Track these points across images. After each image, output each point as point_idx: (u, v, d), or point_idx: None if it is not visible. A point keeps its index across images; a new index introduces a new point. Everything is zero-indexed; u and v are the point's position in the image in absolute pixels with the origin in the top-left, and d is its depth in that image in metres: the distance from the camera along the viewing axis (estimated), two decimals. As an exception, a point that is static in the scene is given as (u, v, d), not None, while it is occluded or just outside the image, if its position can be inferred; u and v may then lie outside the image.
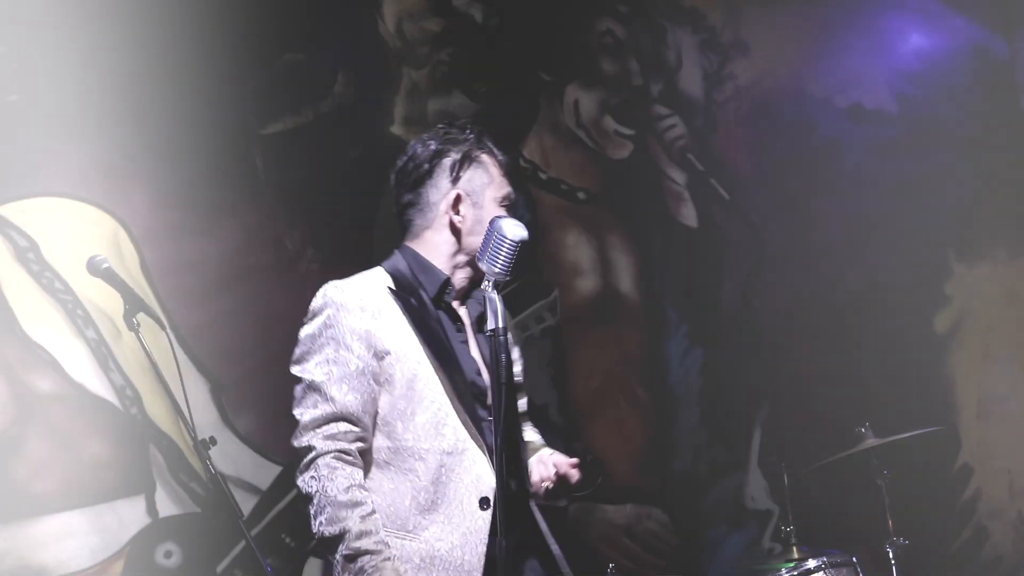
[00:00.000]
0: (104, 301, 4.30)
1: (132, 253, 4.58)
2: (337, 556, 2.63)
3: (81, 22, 4.47)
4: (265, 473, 4.64)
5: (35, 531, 4.25)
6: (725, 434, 5.85)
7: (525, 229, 2.66)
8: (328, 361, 2.71)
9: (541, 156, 5.71)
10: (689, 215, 6.04)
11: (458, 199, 2.84)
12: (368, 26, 5.33)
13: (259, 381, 4.56)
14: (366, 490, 2.67)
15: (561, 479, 2.80)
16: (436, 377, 2.73)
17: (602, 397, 5.65)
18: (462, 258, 2.84)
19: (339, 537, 2.62)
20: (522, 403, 3.03)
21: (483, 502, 2.70)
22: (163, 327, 3.67)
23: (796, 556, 4.66)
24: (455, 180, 2.86)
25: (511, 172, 2.92)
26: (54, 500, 4.27)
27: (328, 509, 2.63)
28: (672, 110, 6.06)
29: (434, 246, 2.86)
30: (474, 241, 2.80)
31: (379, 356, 2.72)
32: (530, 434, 3.04)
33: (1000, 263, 6.30)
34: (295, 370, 2.77)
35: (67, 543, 4.28)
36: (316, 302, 2.78)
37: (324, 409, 2.69)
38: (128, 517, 4.40)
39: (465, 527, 2.69)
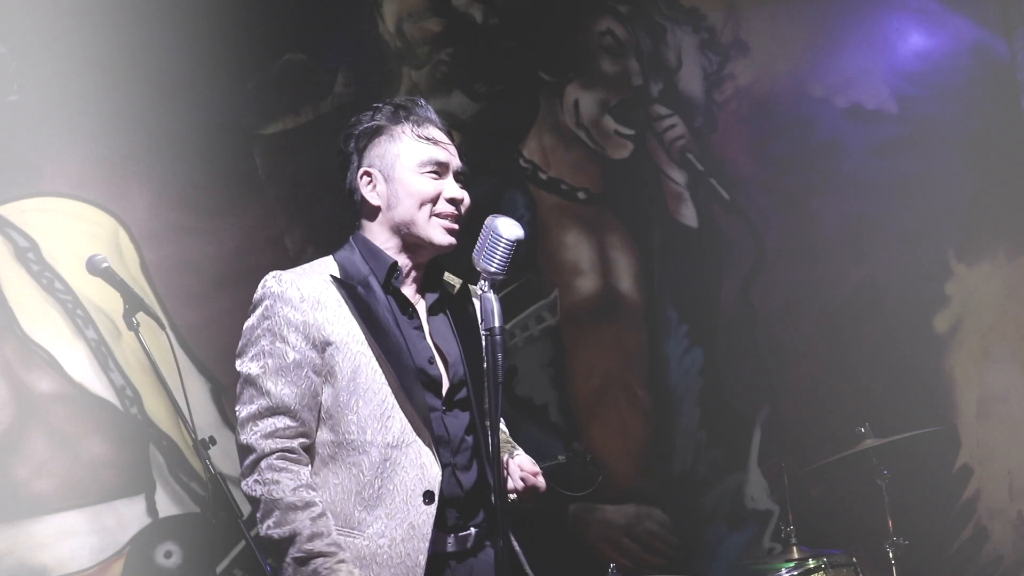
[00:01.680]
0: (104, 301, 4.30)
1: (132, 253, 4.58)
2: (287, 559, 2.54)
3: (81, 22, 4.47)
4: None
5: (35, 531, 4.25)
6: (725, 434, 5.85)
7: (521, 228, 2.59)
8: (264, 354, 2.63)
9: (541, 156, 5.71)
10: (689, 215, 6.03)
11: (366, 175, 2.77)
12: (368, 26, 5.33)
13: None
14: (314, 489, 2.59)
15: (530, 489, 2.72)
16: (380, 367, 2.63)
17: (602, 397, 5.65)
18: (396, 240, 2.75)
19: (289, 540, 2.53)
20: None
21: (427, 496, 2.60)
22: (163, 327, 3.67)
23: (796, 556, 4.66)
24: (361, 157, 2.79)
25: (436, 137, 2.77)
26: (54, 500, 4.27)
27: (276, 512, 2.55)
28: (672, 110, 6.06)
29: (371, 230, 2.78)
30: (397, 215, 2.72)
31: (320, 348, 2.63)
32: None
33: (1000, 263, 6.30)
34: (237, 364, 2.69)
35: (67, 543, 4.28)
36: (256, 294, 2.70)
37: (260, 403, 2.61)
38: (128, 517, 4.40)
39: (408, 522, 2.59)
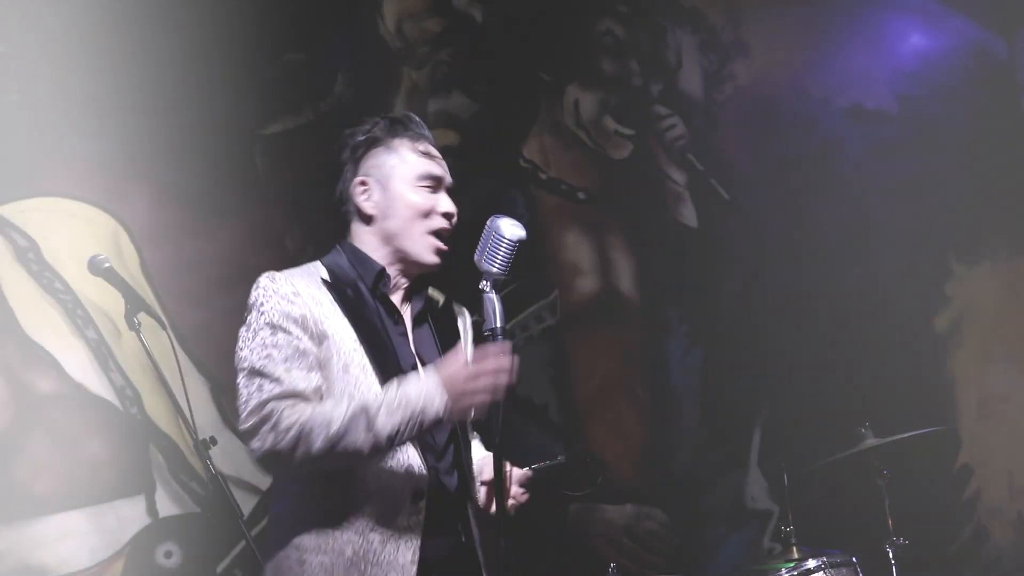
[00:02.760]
0: (104, 301, 4.30)
1: (132, 253, 4.58)
2: (360, 441, 2.50)
3: (81, 22, 4.47)
4: (265, 473, 4.63)
5: (35, 531, 4.25)
6: (725, 434, 5.85)
7: (523, 228, 2.62)
8: (266, 345, 2.62)
9: (541, 156, 5.71)
10: (689, 215, 6.04)
11: (362, 184, 2.80)
12: (368, 26, 5.33)
13: (259, 381, 4.56)
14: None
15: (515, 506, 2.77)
16: (370, 367, 2.65)
17: (602, 397, 5.65)
18: (386, 249, 2.78)
19: (345, 427, 2.50)
20: None
21: (415, 496, 2.62)
22: (164, 327, 3.67)
23: (796, 556, 4.66)
24: (357, 166, 2.82)
25: (432, 152, 2.82)
26: (54, 500, 4.27)
27: (316, 427, 2.51)
28: (672, 110, 6.06)
29: (361, 238, 2.81)
30: (390, 225, 2.76)
31: (318, 340, 2.64)
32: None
33: (1000, 263, 6.30)
34: (238, 363, 2.66)
35: (67, 543, 4.27)
36: (251, 296, 2.70)
37: (272, 390, 2.57)
38: (128, 517, 4.40)
39: (397, 523, 2.60)
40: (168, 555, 4.43)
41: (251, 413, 2.57)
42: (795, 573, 4.56)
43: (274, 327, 2.63)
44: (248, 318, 2.69)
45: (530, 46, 5.73)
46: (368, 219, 2.80)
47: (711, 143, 6.11)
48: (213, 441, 3.55)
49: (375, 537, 2.60)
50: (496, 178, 5.51)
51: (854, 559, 4.63)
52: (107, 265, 3.43)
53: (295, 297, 2.66)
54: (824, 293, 6.05)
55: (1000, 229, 6.28)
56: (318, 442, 2.52)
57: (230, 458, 4.48)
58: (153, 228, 4.63)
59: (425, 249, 2.76)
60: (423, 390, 2.55)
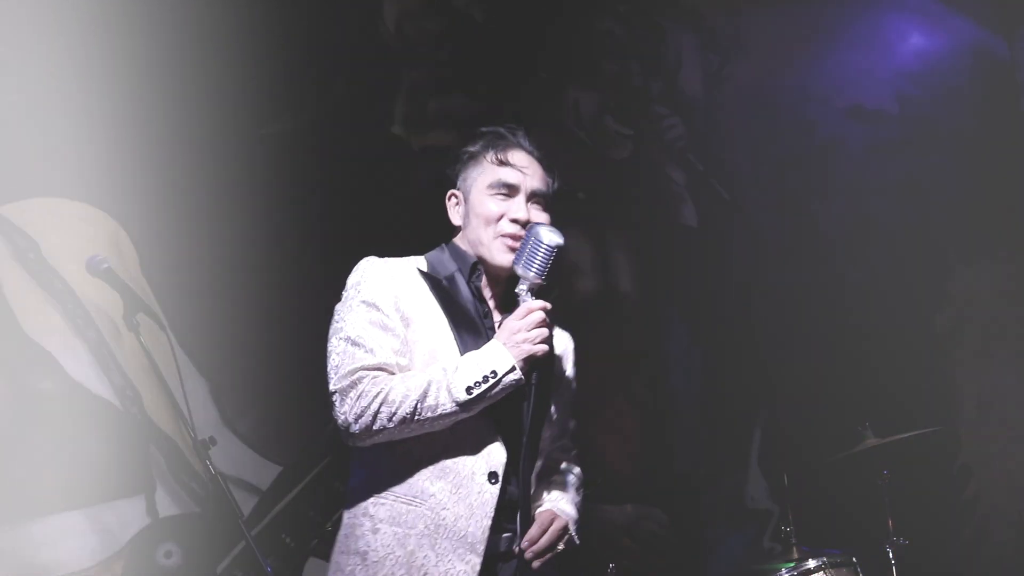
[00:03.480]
0: (104, 301, 4.30)
1: (132, 253, 4.58)
2: (414, 410, 2.66)
3: (81, 22, 4.47)
4: (265, 473, 4.64)
5: (35, 531, 4.25)
6: (725, 434, 5.85)
7: (561, 236, 2.76)
8: (361, 319, 2.77)
9: (541, 156, 5.70)
10: (689, 215, 6.04)
11: (453, 197, 2.99)
12: (368, 26, 5.33)
13: (259, 381, 4.56)
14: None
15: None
16: (458, 351, 2.78)
17: (602, 397, 5.65)
18: (474, 254, 2.92)
19: (432, 383, 2.68)
20: (562, 427, 3.11)
21: (491, 476, 2.73)
22: (163, 327, 3.67)
23: (796, 556, 4.66)
24: (454, 181, 3.01)
25: (514, 160, 2.96)
26: (54, 500, 4.27)
27: (399, 387, 2.68)
28: (672, 110, 6.07)
29: (461, 243, 2.97)
30: (470, 233, 2.92)
31: (405, 322, 2.79)
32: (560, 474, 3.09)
33: (1000, 263, 6.30)
34: (331, 341, 2.80)
35: (67, 543, 4.27)
36: (352, 276, 2.86)
37: (363, 359, 2.73)
38: (128, 517, 4.40)
39: (472, 499, 2.71)
40: (168, 555, 4.43)
41: (342, 377, 2.72)
42: (795, 573, 4.56)
43: (369, 305, 2.79)
44: (345, 295, 2.85)
45: (530, 46, 5.73)
46: (457, 229, 2.98)
47: (711, 143, 6.11)
48: (213, 441, 3.55)
49: (447, 514, 2.71)
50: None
51: (854, 559, 4.64)
52: (105, 266, 3.43)
53: (390, 281, 2.82)
54: (824, 293, 6.05)
55: (1000, 229, 6.28)
56: (402, 407, 2.69)
57: (230, 458, 4.48)
58: (153, 228, 4.63)
59: (497, 251, 2.88)
60: (488, 348, 2.74)
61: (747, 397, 5.91)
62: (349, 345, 2.74)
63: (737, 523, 5.81)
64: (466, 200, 2.95)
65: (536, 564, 2.77)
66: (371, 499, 2.75)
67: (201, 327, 4.58)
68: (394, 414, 2.67)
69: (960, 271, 6.26)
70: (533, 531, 2.78)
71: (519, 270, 2.76)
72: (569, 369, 3.15)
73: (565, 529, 2.89)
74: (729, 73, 6.19)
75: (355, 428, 2.70)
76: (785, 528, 4.78)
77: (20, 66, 4.42)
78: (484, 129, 3.05)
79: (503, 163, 2.94)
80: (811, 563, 4.56)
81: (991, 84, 6.40)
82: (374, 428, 2.69)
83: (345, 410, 2.70)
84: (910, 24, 6.40)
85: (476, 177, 2.94)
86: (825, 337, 5.97)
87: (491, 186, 2.91)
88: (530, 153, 2.99)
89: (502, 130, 3.03)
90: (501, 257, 2.87)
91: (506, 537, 2.78)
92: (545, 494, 2.99)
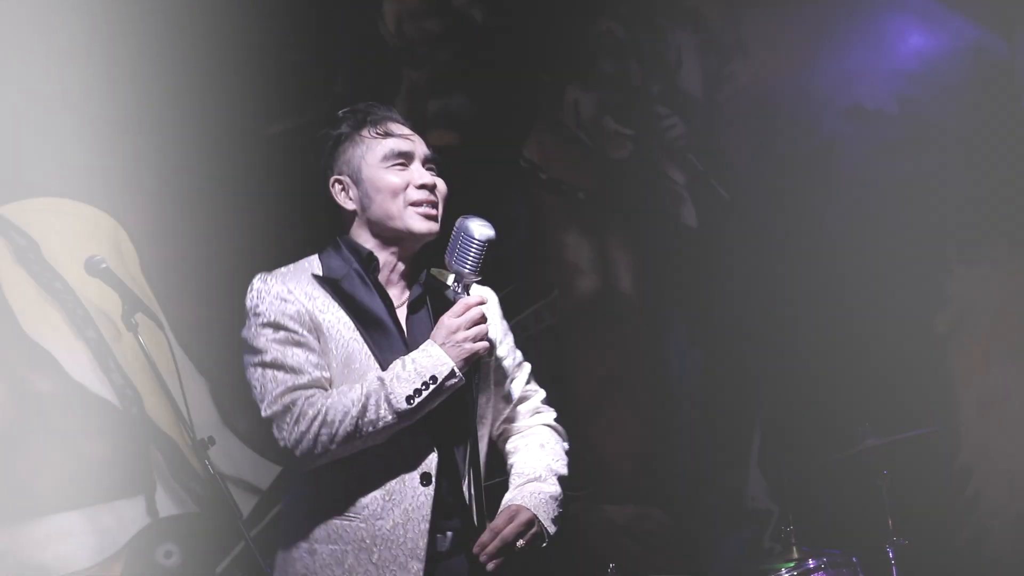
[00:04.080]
0: (104, 301, 4.29)
1: (132, 253, 4.57)
2: (356, 421, 2.57)
3: (82, 22, 4.47)
4: (265, 473, 4.63)
5: (35, 531, 4.24)
6: (725, 434, 5.84)
7: (492, 228, 2.63)
8: (271, 341, 2.66)
9: (541, 156, 5.71)
10: (689, 215, 6.04)
11: (337, 183, 2.83)
12: (368, 26, 5.33)
13: (259, 381, 4.55)
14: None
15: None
16: (371, 354, 2.68)
17: (602, 397, 5.65)
18: (376, 239, 2.80)
19: (371, 396, 2.58)
20: (514, 386, 2.95)
21: (424, 478, 2.64)
22: (162, 327, 3.67)
23: (796, 556, 4.66)
24: (331, 167, 2.85)
25: (395, 130, 2.82)
26: (54, 500, 4.27)
27: (336, 405, 2.59)
28: (672, 110, 6.06)
29: (354, 232, 2.83)
30: (372, 213, 2.77)
31: (315, 334, 2.68)
32: (529, 435, 2.94)
33: (1000, 263, 6.30)
34: (248, 371, 2.69)
35: (67, 543, 4.27)
36: (247, 300, 2.74)
37: (288, 379, 2.63)
38: (128, 517, 4.40)
39: (406, 504, 2.62)
40: (168, 555, 4.43)
41: (272, 402, 2.63)
42: (795, 573, 4.56)
43: (275, 326, 2.67)
44: (248, 322, 2.73)
45: (530, 46, 5.73)
46: (352, 215, 2.83)
47: (711, 143, 6.11)
48: (212, 441, 3.55)
49: (382, 523, 2.62)
50: (496, 178, 5.51)
51: (854, 559, 4.64)
52: (104, 266, 3.43)
53: (288, 295, 2.70)
54: (824, 293, 6.05)
55: (1000, 229, 6.28)
56: (342, 426, 2.58)
57: (229, 458, 4.48)
58: (153, 228, 4.62)
59: (413, 219, 2.75)
60: (426, 351, 2.63)
61: (747, 397, 5.91)
62: (269, 370, 2.64)
63: (737, 523, 5.81)
64: (356, 182, 2.79)
65: (491, 567, 2.62)
66: (306, 519, 2.67)
67: (201, 327, 4.58)
68: (335, 435, 2.57)
69: (960, 271, 6.26)
70: (484, 536, 2.63)
71: (452, 267, 2.65)
72: (499, 327, 2.94)
73: (530, 523, 2.69)
74: (729, 73, 6.18)
75: (297, 453, 2.60)
76: (785, 528, 4.78)
77: (20, 66, 4.41)
78: (342, 112, 2.90)
79: (387, 134, 2.80)
80: (811, 563, 4.57)
81: (991, 84, 6.40)
82: (316, 452, 2.59)
83: (284, 436, 2.60)
84: (910, 24, 6.39)
85: (362, 155, 2.79)
86: (825, 337, 5.97)
87: (385, 158, 2.77)
88: (403, 123, 2.86)
89: (365, 107, 2.87)
90: (419, 225, 2.75)
91: (450, 536, 2.68)
92: (515, 474, 2.84)
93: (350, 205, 2.82)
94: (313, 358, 2.65)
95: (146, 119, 4.60)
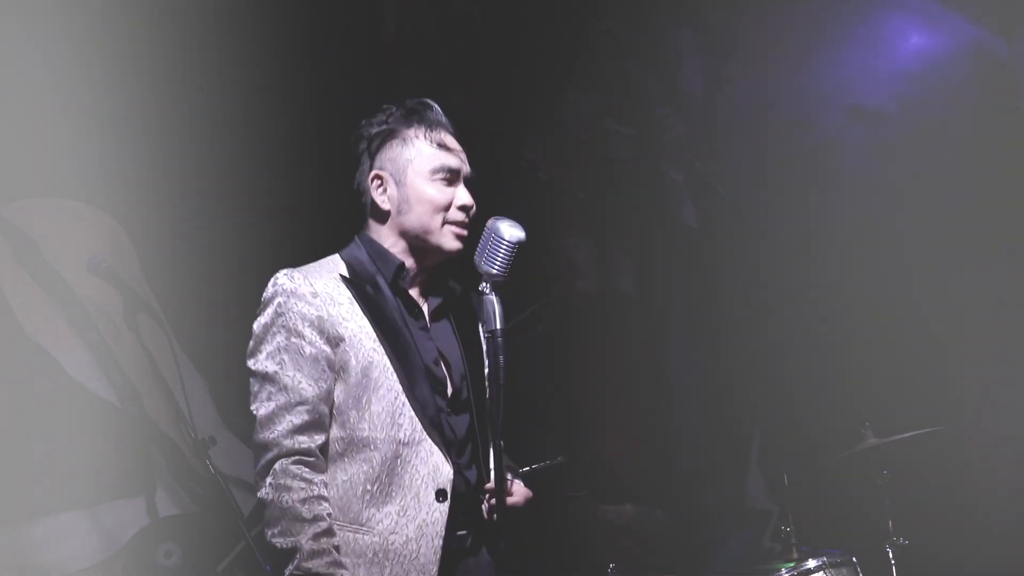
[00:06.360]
0: (104, 301, 4.30)
1: (132, 253, 4.58)
2: (285, 572, 2.54)
3: (82, 22, 4.47)
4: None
5: (35, 531, 4.25)
6: (725, 434, 5.84)
7: (522, 230, 2.64)
8: (280, 350, 2.63)
9: (541, 156, 5.70)
10: (689, 215, 6.04)
11: (377, 179, 2.79)
12: (368, 26, 5.33)
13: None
14: (326, 500, 2.58)
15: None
16: (391, 365, 2.66)
17: (602, 397, 5.65)
18: (403, 243, 2.77)
19: (290, 552, 2.52)
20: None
21: (439, 494, 2.63)
22: (163, 327, 3.67)
23: (796, 556, 4.66)
24: (373, 159, 2.80)
25: (449, 143, 2.80)
26: (54, 500, 4.27)
27: (282, 521, 2.54)
28: (672, 110, 6.06)
29: (378, 232, 2.80)
30: (406, 220, 2.75)
31: (333, 343, 2.64)
32: None
33: (1000, 263, 6.29)
34: (250, 363, 2.67)
35: (67, 543, 4.27)
36: (267, 292, 2.70)
37: (279, 400, 2.60)
38: (128, 517, 4.40)
39: (420, 519, 2.61)
40: (168, 555, 4.43)
41: (261, 425, 2.62)
42: (795, 573, 4.56)
43: (289, 331, 2.64)
44: (263, 314, 2.69)
45: (530, 46, 5.72)
46: (385, 214, 2.78)
47: (711, 143, 6.11)
48: (213, 441, 3.56)
49: (395, 538, 2.61)
50: (496, 178, 5.51)
51: (854, 559, 4.64)
52: (105, 265, 3.44)
53: (313, 298, 2.66)
54: (824, 293, 6.04)
55: (1000, 229, 6.27)
56: (271, 525, 2.56)
57: (230, 458, 4.48)
58: (153, 228, 4.63)
59: (447, 238, 2.75)
60: None
61: (747, 397, 5.90)
62: (265, 382, 2.62)
63: (737, 523, 5.81)
64: (398, 183, 2.75)
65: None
66: None
67: (201, 327, 4.58)
68: (282, 530, 2.55)
69: (960, 271, 6.25)
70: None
71: (481, 267, 2.63)
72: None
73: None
74: (729, 73, 6.18)
75: (261, 496, 2.61)
76: (785, 528, 4.78)
77: (20, 66, 4.42)
78: (390, 106, 2.83)
79: (440, 145, 2.78)
80: (811, 563, 4.57)
81: (991, 84, 6.39)
82: (264, 518, 2.60)
83: (262, 495, 2.59)
84: (910, 24, 6.39)
85: (410, 159, 2.76)
86: (825, 337, 5.97)
87: (435, 171, 2.75)
88: (453, 133, 2.84)
89: (420, 108, 2.82)
90: (452, 244, 2.75)
91: (461, 535, 2.68)
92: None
93: (385, 204, 2.78)
94: (313, 376, 2.61)
95: (146, 119, 4.60)
